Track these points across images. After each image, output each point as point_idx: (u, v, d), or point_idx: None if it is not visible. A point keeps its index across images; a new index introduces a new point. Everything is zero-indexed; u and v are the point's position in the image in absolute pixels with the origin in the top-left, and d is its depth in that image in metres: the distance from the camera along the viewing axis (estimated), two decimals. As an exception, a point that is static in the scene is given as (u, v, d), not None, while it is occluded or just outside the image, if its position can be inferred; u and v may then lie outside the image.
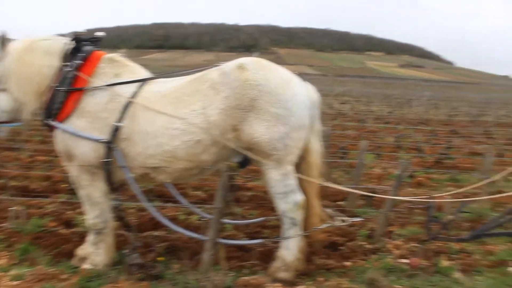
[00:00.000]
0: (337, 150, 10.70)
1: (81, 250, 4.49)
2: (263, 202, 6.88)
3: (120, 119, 3.98)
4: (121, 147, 4.01)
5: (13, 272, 4.26)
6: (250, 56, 4.21)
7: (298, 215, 4.14)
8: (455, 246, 5.31)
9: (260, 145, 3.91)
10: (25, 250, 4.72)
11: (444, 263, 4.77)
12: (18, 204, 5.84)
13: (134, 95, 4.05)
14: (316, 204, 4.34)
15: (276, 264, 4.23)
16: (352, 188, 6.22)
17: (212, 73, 4.07)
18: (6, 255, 4.73)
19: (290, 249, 4.19)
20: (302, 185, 4.22)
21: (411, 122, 22.21)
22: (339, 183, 8.25)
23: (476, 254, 5.17)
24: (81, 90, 4.06)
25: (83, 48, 4.22)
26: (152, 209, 4.23)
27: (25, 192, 6.83)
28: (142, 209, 6.20)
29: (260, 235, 5.41)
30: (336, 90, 51.20)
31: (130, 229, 4.62)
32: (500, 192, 6.23)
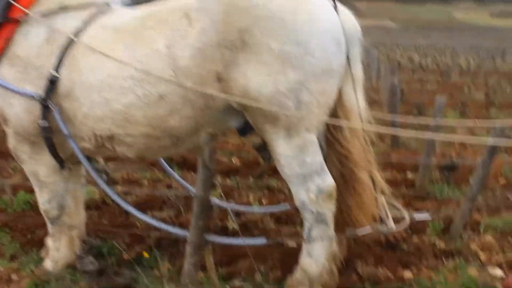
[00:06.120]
0: (411, 108, 8.89)
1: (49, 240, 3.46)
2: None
3: (56, 67, 2.72)
4: (63, 107, 2.77)
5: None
6: None
7: (327, 208, 2.71)
8: None
9: (259, 102, 2.50)
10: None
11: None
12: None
13: (77, 31, 2.77)
14: (362, 189, 2.87)
15: (296, 276, 2.87)
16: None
17: None
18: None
19: (314, 257, 2.79)
20: (337, 162, 2.79)
21: (505, 75, 19.20)
22: (407, 148, 6.71)
23: None
24: (13, 24, 2.85)
25: None
26: (114, 195, 2.93)
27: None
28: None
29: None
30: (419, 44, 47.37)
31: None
32: None
